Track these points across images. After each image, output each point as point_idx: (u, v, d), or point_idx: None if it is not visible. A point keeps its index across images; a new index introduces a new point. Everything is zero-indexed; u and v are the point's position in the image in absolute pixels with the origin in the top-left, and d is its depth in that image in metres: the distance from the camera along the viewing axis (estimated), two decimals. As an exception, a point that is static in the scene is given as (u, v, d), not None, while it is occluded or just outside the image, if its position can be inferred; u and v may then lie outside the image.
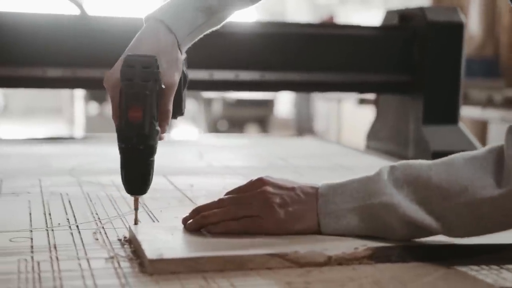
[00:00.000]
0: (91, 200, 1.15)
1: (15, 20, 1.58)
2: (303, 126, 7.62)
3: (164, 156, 1.74)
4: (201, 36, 1.05)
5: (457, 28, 1.74)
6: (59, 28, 1.62)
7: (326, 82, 1.80)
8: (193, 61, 1.67)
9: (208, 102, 6.58)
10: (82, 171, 1.45)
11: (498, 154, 0.84)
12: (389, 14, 1.89)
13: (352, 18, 8.58)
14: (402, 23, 1.82)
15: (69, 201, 1.14)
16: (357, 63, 1.81)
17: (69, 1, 1.70)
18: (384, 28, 1.86)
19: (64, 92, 8.04)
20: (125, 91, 0.89)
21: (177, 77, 0.97)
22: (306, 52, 1.78)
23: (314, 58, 1.79)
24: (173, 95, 0.97)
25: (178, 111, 1.03)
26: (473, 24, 4.98)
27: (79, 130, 6.91)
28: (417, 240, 0.88)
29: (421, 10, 1.76)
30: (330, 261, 0.84)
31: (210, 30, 1.06)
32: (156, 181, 1.35)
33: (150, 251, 0.81)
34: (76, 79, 1.63)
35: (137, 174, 0.93)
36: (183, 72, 1.01)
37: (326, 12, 8.79)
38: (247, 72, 1.72)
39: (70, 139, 2.02)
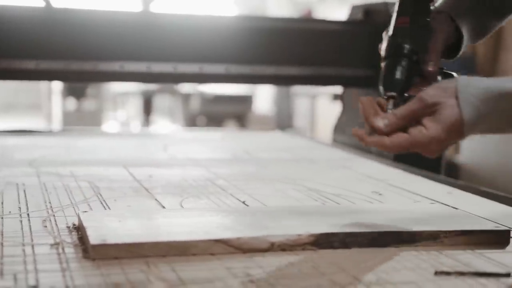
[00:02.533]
0: (46, 190, 1.16)
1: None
2: (283, 122, 7.64)
3: (127, 148, 1.75)
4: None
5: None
6: (25, 20, 1.63)
7: (291, 75, 1.81)
8: (180, 55, 1.72)
9: (186, 97, 6.58)
10: (43, 162, 1.45)
11: None
12: (354, 9, 1.90)
13: (332, 15, 8.60)
14: (366, 18, 1.84)
15: (24, 191, 1.15)
16: (323, 57, 1.83)
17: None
18: (348, 23, 1.88)
19: (42, 88, 8.00)
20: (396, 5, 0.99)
21: (449, 33, 1.01)
22: (274, 46, 1.80)
23: (282, 52, 1.81)
24: (443, 43, 0.99)
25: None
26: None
27: (56, 125, 6.88)
28: (359, 226, 0.90)
29: (384, 5, 1.78)
30: (273, 247, 0.85)
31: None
32: (115, 172, 1.37)
33: (94, 237, 0.82)
34: (41, 71, 1.64)
35: (395, 71, 0.94)
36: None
37: (305, 7, 8.81)
38: (212, 65, 1.74)
39: (38, 132, 2.02)
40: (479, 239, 0.90)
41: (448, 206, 1.08)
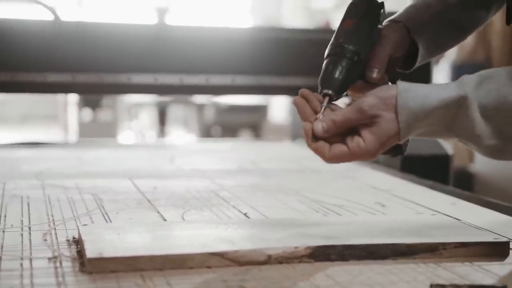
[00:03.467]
0: (50, 203, 1.17)
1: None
2: (298, 132, 7.62)
3: (134, 160, 1.76)
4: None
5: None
6: (33, 33, 1.65)
7: (298, 86, 1.81)
8: (189, 66, 1.73)
9: (200, 108, 6.59)
10: (49, 174, 1.47)
11: None
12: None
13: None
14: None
15: (28, 204, 1.16)
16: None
17: (44, 6, 1.72)
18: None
19: (59, 99, 8.06)
20: (348, 7, 0.99)
21: (399, 44, 1.00)
22: (281, 56, 1.80)
23: (289, 62, 1.81)
24: (391, 53, 0.98)
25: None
26: (464, 29, 4.99)
27: (73, 136, 6.93)
28: (357, 238, 0.90)
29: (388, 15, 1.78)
30: (270, 260, 0.85)
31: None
32: (121, 184, 1.38)
33: (91, 250, 0.82)
34: (49, 84, 1.66)
35: (334, 69, 0.93)
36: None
37: (321, 17, 8.81)
38: (242, 76, 1.76)
39: (47, 144, 2.04)
40: (478, 251, 0.89)
41: (450, 217, 1.08)
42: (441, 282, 0.79)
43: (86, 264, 0.81)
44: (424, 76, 1.78)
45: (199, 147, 2.20)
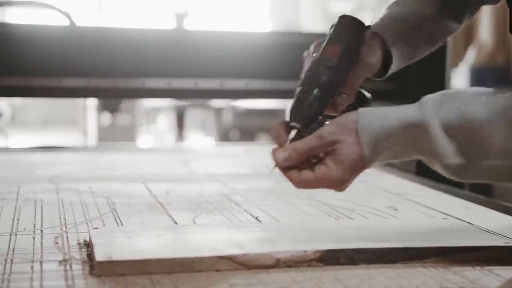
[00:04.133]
0: (63, 206, 1.18)
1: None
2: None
3: (148, 163, 1.76)
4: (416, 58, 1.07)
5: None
6: (49, 39, 1.67)
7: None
8: (203, 71, 1.74)
9: (218, 111, 6.60)
10: (64, 178, 1.47)
11: None
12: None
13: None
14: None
15: (41, 207, 1.17)
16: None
17: (59, 12, 1.74)
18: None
19: (78, 104, 8.12)
20: (329, 32, 0.96)
21: (374, 65, 0.99)
22: (292, 61, 1.80)
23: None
24: (363, 77, 0.98)
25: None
26: (484, 32, 4.96)
27: (92, 140, 6.97)
28: (367, 242, 0.89)
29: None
30: (278, 264, 0.85)
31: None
32: (134, 187, 1.38)
33: (100, 253, 0.83)
34: (63, 89, 1.67)
35: (305, 102, 0.92)
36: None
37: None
38: (257, 80, 1.76)
39: (63, 148, 2.05)
40: (489, 256, 0.88)
41: (463, 221, 1.07)
42: (450, 286, 0.79)
43: (95, 267, 0.82)
44: (439, 81, 1.78)
45: (215, 151, 2.20)
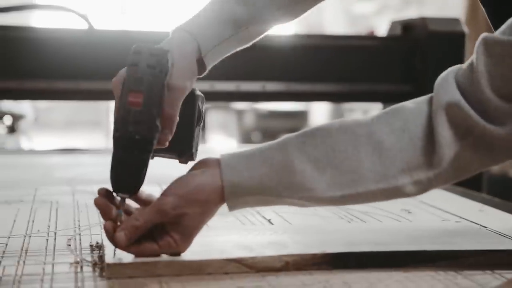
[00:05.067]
0: (78, 208, 1.19)
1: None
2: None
3: (165, 165, 1.77)
4: (232, 51, 1.00)
5: (458, 38, 1.75)
6: (68, 42, 1.69)
7: (329, 92, 1.82)
8: (220, 73, 1.75)
9: (240, 113, 6.62)
10: (81, 180, 1.49)
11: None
12: (394, 24, 1.89)
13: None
14: (404, 33, 1.83)
15: (57, 209, 1.18)
16: (361, 73, 1.82)
17: (77, 15, 1.75)
18: (386, 39, 1.87)
19: (101, 106, 8.18)
20: (128, 74, 0.82)
21: (188, 85, 0.90)
22: (315, 63, 1.81)
23: (319, 68, 1.81)
24: (181, 101, 0.89)
25: (187, 149, 0.98)
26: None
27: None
28: (378, 245, 0.89)
29: (422, 20, 1.77)
30: (287, 267, 0.85)
31: (241, 47, 1.01)
32: (149, 189, 1.39)
33: (110, 255, 0.84)
34: (81, 91, 1.69)
35: (127, 169, 0.84)
36: (198, 107, 0.96)
37: (363, 22, 8.78)
38: (274, 83, 1.77)
39: (81, 150, 2.07)
40: (500, 259, 0.88)
41: (476, 224, 1.06)
42: (459, 290, 0.78)
43: (105, 269, 0.82)
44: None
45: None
